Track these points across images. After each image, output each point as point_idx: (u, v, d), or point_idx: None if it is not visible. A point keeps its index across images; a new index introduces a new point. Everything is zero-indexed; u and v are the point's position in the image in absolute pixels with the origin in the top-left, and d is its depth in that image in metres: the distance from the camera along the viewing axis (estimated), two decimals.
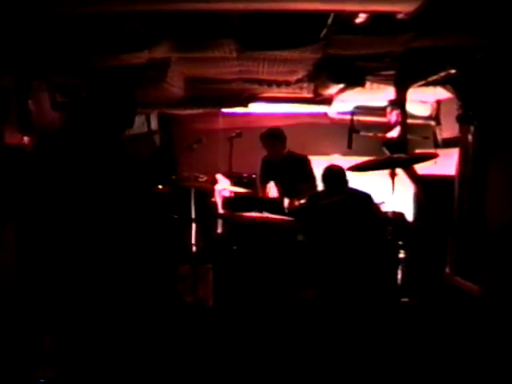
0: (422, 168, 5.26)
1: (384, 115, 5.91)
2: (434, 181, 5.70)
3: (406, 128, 5.49)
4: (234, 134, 6.16)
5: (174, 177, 6.47)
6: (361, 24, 3.77)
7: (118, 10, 3.56)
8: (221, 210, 6.20)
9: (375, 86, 5.61)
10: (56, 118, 5.48)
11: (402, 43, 4.33)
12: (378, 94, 6.00)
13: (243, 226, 5.15)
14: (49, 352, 3.82)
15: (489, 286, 4.43)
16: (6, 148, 4.72)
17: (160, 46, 4.47)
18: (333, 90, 6.17)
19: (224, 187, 6.15)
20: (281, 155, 6.06)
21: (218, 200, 6.32)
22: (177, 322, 4.67)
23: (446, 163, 5.23)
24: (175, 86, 5.97)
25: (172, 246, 5.68)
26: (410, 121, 5.77)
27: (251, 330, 4.38)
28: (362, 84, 5.52)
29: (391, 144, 5.34)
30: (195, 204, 5.56)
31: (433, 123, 6.66)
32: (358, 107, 6.77)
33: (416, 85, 5.45)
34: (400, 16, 3.54)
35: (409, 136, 5.64)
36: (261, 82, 6.17)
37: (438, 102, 6.59)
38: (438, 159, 4.19)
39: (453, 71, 4.88)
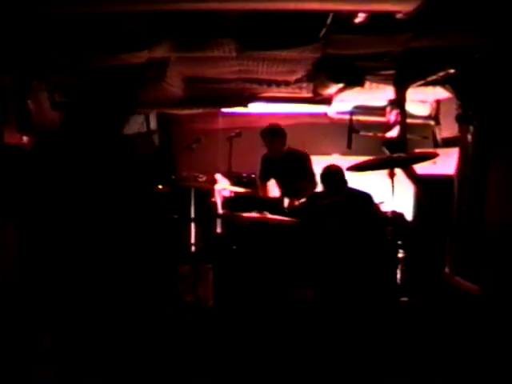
0: (421, 168, 5.26)
1: (383, 115, 5.91)
2: (433, 181, 5.70)
3: (405, 128, 5.50)
4: (233, 134, 6.16)
5: (173, 177, 6.47)
6: (360, 24, 3.77)
7: (118, 10, 3.56)
8: (220, 210, 6.20)
9: (374, 85, 5.61)
10: (55, 117, 5.49)
11: (401, 43, 4.33)
12: (378, 94, 6.00)
13: (243, 225, 5.15)
14: (49, 352, 3.82)
15: (488, 285, 4.43)
16: (5, 148, 4.72)
17: (160, 46, 4.47)
18: (332, 89, 6.17)
19: (223, 187, 6.15)
20: (280, 152, 6.05)
21: (218, 200, 6.32)
22: (177, 322, 4.67)
23: (446, 163, 5.24)
24: (174, 85, 5.97)
25: (172, 245, 5.68)
26: (409, 120, 5.78)
27: (251, 330, 4.38)
28: (361, 84, 5.52)
29: (391, 144, 5.34)
30: (195, 204, 5.56)
31: (432, 123, 6.67)
32: (357, 107, 6.77)
33: (415, 84, 5.45)
34: (399, 16, 3.54)
35: (408, 136, 5.65)
36: (260, 82, 6.17)
37: (438, 102, 6.60)
38: (437, 159, 4.19)
39: (452, 71, 4.88)
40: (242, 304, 4.72)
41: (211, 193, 6.27)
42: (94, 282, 4.88)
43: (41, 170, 5.06)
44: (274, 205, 5.45)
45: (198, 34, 4.26)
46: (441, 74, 4.98)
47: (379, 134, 5.98)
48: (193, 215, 5.60)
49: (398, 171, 4.57)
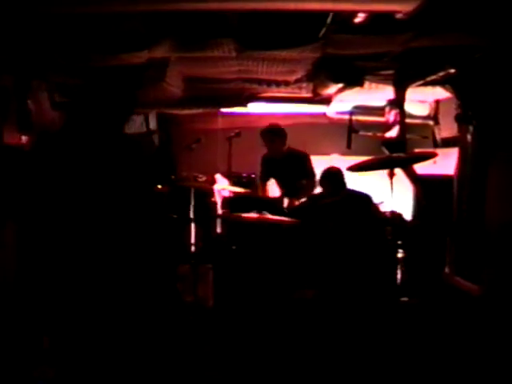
0: (421, 168, 5.26)
1: (383, 115, 5.92)
2: (433, 180, 5.70)
3: (404, 127, 5.50)
4: (233, 134, 6.16)
5: (173, 177, 6.48)
6: (360, 24, 3.77)
7: (118, 10, 3.56)
8: (220, 210, 6.20)
9: (374, 85, 5.61)
10: (55, 117, 5.49)
11: (400, 43, 4.33)
12: (377, 94, 6.00)
13: (242, 225, 5.15)
14: (48, 352, 3.82)
15: (488, 285, 4.43)
16: (5, 148, 4.72)
17: (160, 46, 4.47)
18: (332, 89, 6.17)
19: (223, 187, 6.15)
20: (280, 152, 6.05)
21: (218, 200, 6.32)
22: (177, 322, 4.67)
23: (445, 163, 5.24)
24: (174, 85, 5.97)
25: (171, 245, 5.69)
26: (408, 120, 5.78)
27: (251, 330, 4.38)
28: (360, 84, 5.52)
29: (390, 143, 5.35)
30: (194, 204, 5.56)
31: (432, 123, 6.67)
32: (356, 107, 6.77)
33: (415, 84, 5.45)
34: (399, 16, 3.54)
35: (408, 135, 5.65)
36: (260, 82, 6.17)
37: (437, 102, 6.60)
38: (436, 159, 4.19)
39: (452, 71, 4.88)
40: (242, 304, 4.72)
41: (211, 193, 6.27)
42: (93, 281, 4.88)
43: (40, 170, 5.05)
44: (274, 205, 5.45)
45: (198, 34, 4.26)
46: (440, 73, 4.98)
47: (379, 134, 5.98)
48: (192, 215, 5.60)
49: (398, 171, 4.57)
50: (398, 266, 4.34)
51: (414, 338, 4.05)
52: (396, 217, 4.76)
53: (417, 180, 5.62)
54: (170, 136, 8.12)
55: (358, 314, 4.34)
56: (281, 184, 6.14)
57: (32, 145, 5.09)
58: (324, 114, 7.51)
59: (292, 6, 3.51)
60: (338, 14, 3.73)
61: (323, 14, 3.77)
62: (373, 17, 3.69)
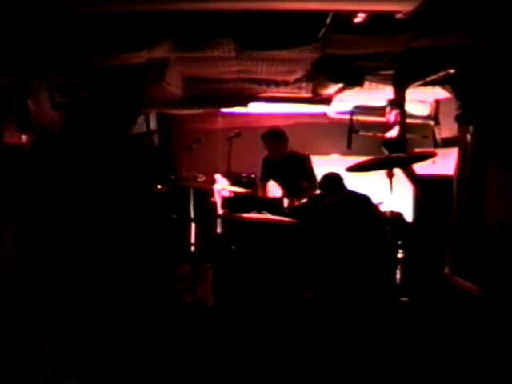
0: (420, 168, 5.26)
1: (383, 115, 5.92)
2: (432, 180, 5.70)
3: (404, 127, 5.50)
4: (232, 134, 6.16)
5: (172, 177, 6.48)
6: (359, 24, 3.77)
7: (118, 10, 3.56)
8: (220, 210, 6.20)
9: (374, 85, 5.61)
10: (55, 117, 5.49)
11: (400, 43, 4.33)
12: (377, 94, 6.00)
13: (242, 225, 5.15)
14: (48, 352, 3.82)
15: (488, 285, 4.43)
16: (5, 148, 4.73)
17: (160, 46, 4.47)
18: (331, 89, 6.17)
19: (223, 187, 6.15)
20: (281, 154, 6.05)
21: (217, 200, 6.32)
22: (176, 322, 4.67)
23: (445, 163, 5.24)
24: (174, 85, 5.97)
25: (171, 245, 5.69)
26: (409, 120, 5.78)
27: (251, 330, 4.38)
28: (360, 84, 5.52)
29: (390, 143, 5.35)
30: (194, 204, 5.57)
31: (432, 123, 6.67)
32: (357, 107, 6.77)
33: (415, 84, 5.45)
34: (399, 16, 3.54)
35: (408, 135, 5.65)
36: (260, 82, 6.17)
37: (437, 102, 6.60)
38: (436, 159, 4.18)
39: (452, 71, 4.88)
40: (242, 304, 4.72)
41: (211, 193, 6.28)
42: (93, 281, 4.88)
43: (40, 170, 5.06)
44: (274, 205, 5.45)
45: (198, 34, 4.26)
46: (440, 74, 4.98)
47: (379, 134, 5.98)
48: (192, 215, 5.60)
49: (398, 171, 4.57)
50: (398, 266, 4.33)
51: (413, 338, 4.05)
52: (396, 217, 4.76)
53: (416, 180, 5.62)
54: (170, 136, 8.13)
55: (358, 314, 4.34)
56: (282, 186, 6.13)
57: (32, 145, 5.09)
58: (324, 114, 7.51)
59: (292, 5, 3.51)
60: (337, 14, 3.73)
61: (323, 13, 3.77)
62: (372, 17, 3.69)
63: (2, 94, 4.74)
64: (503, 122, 4.47)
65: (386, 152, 5.20)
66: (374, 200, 5.21)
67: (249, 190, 6.17)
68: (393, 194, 4.02)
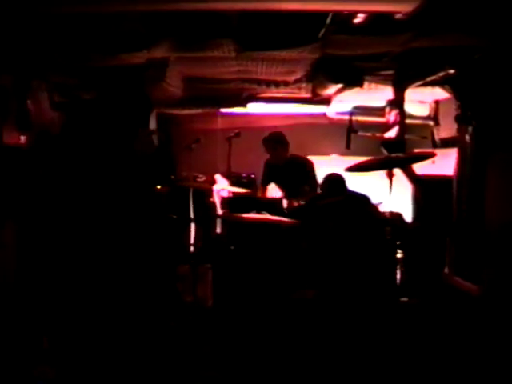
0: (420, 168, 5.26)
1: (382, 115, 5.92)
2: (432, 181, 5.70)
3: (404, 128, 5.50)
4: (232, 134, 6.15)
5: (172, 177, 6.47)
6: (359, 24, 3.78)
7: (118, 10, 3.56)
8: (219, 210, 6.20)
9: (373, 86, 5.62)
10: (55, 117, 5.49)
11: (400, 43, 4.33)
12: (376, 94, 6.01)
13: (242, 225, 5.15)
14: (48, 352, 3.82)
15: (488, 285, 4.43)
16: (4, 148, 4.73)
17: (159, 46, 4.48)
18: (331, 90, 6.18)
19: (222, 187, 6.15)
20: (283, 159, 6.05)
21: (217, 200, 6.32)
22: (176, 322, 4.67)
23: (445, 163, 5.24)
24: (174, 85, 5.98)
25: (171, 245, 5.68)
26: (408, 121, 5.78)
27: (250, 330, 4.38)
28: (360, 84, 5.53)
29: (389, 144, 5.34)
30: (194, 204, 5.57)
31: (431, 123, 6.68)
32: (356, 107, 6.78)
33: (414, 85, 5.46)
34: (398, 16, 3.55)
35: (407, 136, 5.65)
36: (259, 82, 6.18)
37: (437, 102, 6.61)
38: (436, 159, 4.18)
39: (451, 71, 4.89)
40: (242, 304, 4.72)
41: (210, 193, 6.27)
42: (93, 282, 4.88)
43: (40, 170, 5.05)
44: (273, 205, 5.45)
45: (198, 34, 4.26)
46: (440, 74, 4.99)
47: (378, 135, 5.98)
48: (192, 215, 5.60)
49: (397, 171, 4.57)
50: (398, 267, 4.33)
51: (413, 338, 4.05)
52: (395, 217, 4.76)
53: (416, 180, 5.62)
54: (170, 136, 8.13)
55: (358, 314, 4.34)
56: (283, 189, 6.12)
57: (31, 145, 5.09)
58: (324, 115, 7.52)
59: (291, 6, 3.52)
60: (337, 15, 3.74)
61: (322, 14, 3.77)
62: (372, 17, 3.69)
63: (1, 94, 4.74)
64: (503, 122, 4.47)
65: (385, 152, 5.20)
66: (374, 200, 5.21)
67: (248, 191, 6.17)
68: (392, 195, 4.02)
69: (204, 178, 6.58)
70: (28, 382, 3.48)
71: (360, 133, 6.10)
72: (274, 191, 6.15)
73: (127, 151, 5.11)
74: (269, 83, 6.19)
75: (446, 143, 6.05)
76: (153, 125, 7.50)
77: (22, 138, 5.04)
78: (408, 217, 5.85)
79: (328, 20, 3.84)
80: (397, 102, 5.51)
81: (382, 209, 5.15)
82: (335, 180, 5.22)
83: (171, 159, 7.40)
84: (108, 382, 3.63)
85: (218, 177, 6.38)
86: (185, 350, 4.15)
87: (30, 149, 5.07)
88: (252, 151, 6.44)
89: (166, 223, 5.73)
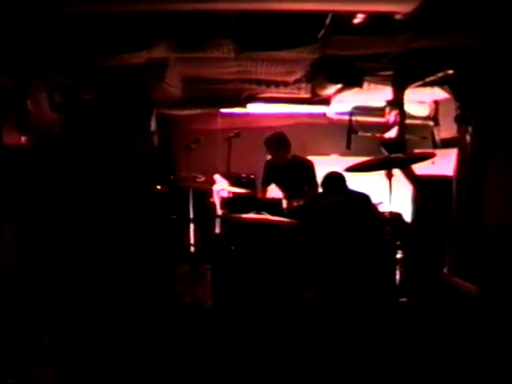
0: (420, 168, 5.26)
1: (382, 115, 5.92)
2: (432, 181, 5.70)
3: (404, 128, 5.50)
4: (232, 135, 6.16)
5: (172, 177, 6.47)
6: (359, 24, 3.77)
7: (118, 10, 3.56)
8: (219, 211, 6.20)
9: (373, 86, 5.61)
10: (54, 118, 5.49)
11: (399, 44, 4.33)
12: (376, 95, 6.00)
13: (241, 226, 5.15)
14: (47, 352, 3.82)
15: (487, 286, 4.43)
16: (4, 148, 4.72)
17: (159, 46, 4.47)
18: (330, 90, 6.17)
19: (222, 187, 6.15)
20: (285, 159, 6.06)
21: (217, 200, 6.32)
22: (175, 323, 4.67)
23: (444, 163, 5.24)
24: (174, 86, 5.98)
25: (170, 246, 5.68)
26: (408, 121, 5.78)
27: (250, 331, 4.38)
28: (359, 84, 5.52)
29: (389, 144, 5.35)
30: (193, 204, 5.57)
31: (431, 123, 6.67)
32: (356, 107, 6.78)
33: (414, 85, 5.45)
34: (398, 16, 3.54)
35: (407, 136, 5.65)
36: (259, 83, 6.18)
37: (437, 103, 6.60)
38: (436, 159, 4.19)
39: (451, 72, 4.89)
40: (241, 304, 4.72)
41: (210, 193, 6.27)
42: (93, 282, 4.88)
43: (40, 171, 5.06)
44: (273, 205, 5.45)
45: (197, 34, 4.26)
46: (440, 74, 4.99)
47: (378, 135, 5.98)
48: (191, 216, 5.60)
49: (397, 172, 4.57)
50: (397, 267, 4.33)
51: (412, 339, 4.05)
52: (395, 217, 4.76)
53: (416, 180, 5.62)
54: (170, 136, 8.13)
55: (358, 315, 4.35)
56: (283, 190, 6.12)
57: (31, 145, 5.09)
58: (323, 115, 7.52)
59: (291, 6, 3.51)
60: (336, 15, 3.73)
61: (322, 14, 3.77)
62: (372, 18, 3.69)
63: (1, 95, 4.74)
64: (502, 122, 4.47)
65: (385, 152, 5.21)
66: (374, 200, 5.21)
67: (248, 191, 6.16)
68: (392, 195, 4.02)
69: (203, 179, 6.58)
70: (26, 382, 3.48)
71: (360, 133, 6.11)
72: (274, 192, 6.15)
73: (127, 151, 5.10)
74: (268, 83, 6.19)
75: (446, 143, 6.05)
76: (152, 125, 7.50)
77: (22, 138, 5.04)
78: (408, 217, 5.85)
79: (327, 20, 3.84)
80: (396, 103, 5.51)
81: (381, 209, 5.16)
82: (335, 178, 5.22)
83: (171, 159, 7.40)
84: (108, 382, 3.63)
85: (217, 177, 6.39)
86: (184, 350, 4.15)
87: (29, 149, 5.06)
88: (252, 151, 6.45)
89: (166, 223, 5.73)
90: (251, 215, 4.63)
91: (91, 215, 5.05)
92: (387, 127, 5.57)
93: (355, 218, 4.90)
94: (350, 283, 4.54)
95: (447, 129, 6.00)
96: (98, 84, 5.61)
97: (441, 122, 6.49)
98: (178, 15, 3.86)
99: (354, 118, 6.17)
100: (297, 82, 6.06)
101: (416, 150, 5.89)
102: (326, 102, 6.95)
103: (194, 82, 6.09)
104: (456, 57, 4.67)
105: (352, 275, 4.56)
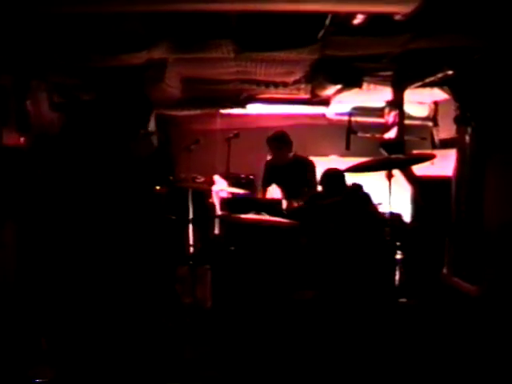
0: (419, 169, 5.27)
1: (381, 116, 5.93)
2: (431, 182, 5.70)
3: (403, 129, 5.51)
4: (231, 135, 6.15)
5: (171, 178, 6.47)
6: (358, 25, 3.78)
7: (118, 10, 3.56)
8: (218, 211, 6.20)
9: (372, 86, 5.62)
10: (54, 118, 5.49)
11: (399, 44, 4.34)
12: (376, 95, 6.01)
13: (241, 226, 5.15)
14: (47, 352, 3.82)
15: (487, 286, 4.44)
16: (4, 149, 4.72)
17: (158, 47, 4.48)
18: (330, 90, 6.18)
19: (221, 188, 6.15)
20: (286, 159, 6.02)
21: (216, 201, 6.32)
22: (175, 323, 4.67)
23: (444, 164, 5.24)
24: (173, 86, 5.98)
25: (170, 247, 5.68)
26: (407, 122, 5.79)
27: (250, 331, 4.38)
28: (359, 85, 5.53)
29: (389, 145, 5.34)
30: (193, 205, 5.56)
31: (430, 124, 6.68)
32: (355, 108, 6.78)
33: (413, 86, 5.46)
34: (397, 17, 3.55)
35: (406, 137, 5.66)
36: (258, 83, 6.18)
37: (436, 103, 6.62)
38: (435, 160, 4.19)
39: (450, 72, 4.89)
40: (241, 305, 4.72)
41: (209, 194, 6.27)
42: (92, 282, 4.88)
43: (39, 171, 5.06)
44: (273, 206, 5.45)
45: (197, 35, 4.27)
46: (439, 75, 5.00)
47: (377, 135, 5.99)
48: (191, 216, 5.60)
49: (396, 172, 4.57)
50: (397, 267, 4.33)
51: (412, 339, 4.05)
52: (395, 218, 4.76)
53: (415, 181, 5.63)
54: (169, 137, 8.12)
55: (357, 315, 4.35)
56: (283, 190, 6.11)
57: (30, 146, 5.09)
58: (323, 115, 7.53)
59: (290, 7, 3.51)
60: (336, 16, 3.74)
61: (322, 15, 3.78)
62: (371, 18, 3.70)
63: (1, 95, 4.74)
64: (502, 123, 4.48)
65: (384, 153, 5.21)
66: (374, 201, 5.21)
67: (247, 191, 6.16)
68: (391, 195, 4.02)
69: (203, 179, 6.57)
70: (25, 382, 3.48)
71: (359, 134, 6.11)
72: (274, 193, 6.15)
73: (126, 152, 5.11)
74: (268, 84, 6.19)
75: (445, 144, 6.06)
76: (152, 126, 7.50)
77: (22, 138, 5.04)
78: (407, 217, 5.86)
79: (327, 21, 3.84)
80: (396, 103, 5.51)
81: (381, 210, 5.16)
82: (334, 176, 5.20)
83: (170, 160, 7.39)
84: (108, 382, 3.63)
85: (217, 178, 6.39)
86: (184, 351, 4.15)
87: (29, 150, 5.07)
88: (251, 152, 6.45)
89: (165, 224, 5.72)
90: (250, 216, 4.63)
91: (91, 215, 5.06)
92: (387, 128, 5.58)
93: (355, 218, 4.90)
94: (350, 284, 4.54)
95: (446, 129, 6.01)
96: (97, 84, 5.61)
97: (440, 122, 6.51)
98: (178, 16, 3.86)
99: (353, 119, 6.17)
100: (296, 82, 6.07)
101: (415, 151, 5.90)
102: (325, 102, 6.95)
103: (194, 82, 6.09)
104: (455, 57, 4.68)
105: (351, 276, 4.56)
